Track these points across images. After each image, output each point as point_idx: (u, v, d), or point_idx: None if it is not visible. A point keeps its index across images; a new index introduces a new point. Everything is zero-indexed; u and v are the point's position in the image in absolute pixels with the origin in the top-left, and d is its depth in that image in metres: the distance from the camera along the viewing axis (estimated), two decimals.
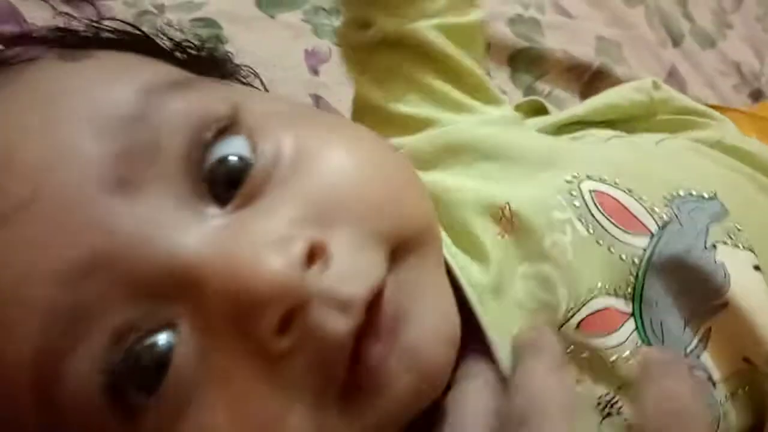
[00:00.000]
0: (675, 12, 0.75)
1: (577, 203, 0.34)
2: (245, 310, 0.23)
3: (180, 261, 0.24)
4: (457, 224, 0.34)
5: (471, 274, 0.32)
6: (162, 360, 0.24)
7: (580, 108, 0.49)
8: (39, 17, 0.49)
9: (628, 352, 0.31)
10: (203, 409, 0.24)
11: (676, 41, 0.73)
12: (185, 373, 0.24)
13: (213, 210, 0.26)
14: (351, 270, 0.25)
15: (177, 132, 0.26)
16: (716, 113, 0.49)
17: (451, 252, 0.33)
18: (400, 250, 0.27)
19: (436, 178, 0.36)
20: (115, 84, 0.28)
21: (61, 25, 0.38)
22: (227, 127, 0.27)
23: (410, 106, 0.40)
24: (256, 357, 0.24)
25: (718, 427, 0.31)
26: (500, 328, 0.30)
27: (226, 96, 0.28)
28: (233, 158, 0.26)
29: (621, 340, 0.31)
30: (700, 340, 0.32)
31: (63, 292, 0.24)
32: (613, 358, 0.31)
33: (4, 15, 0.49)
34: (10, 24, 0.48)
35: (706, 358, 0.32)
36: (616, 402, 0.31)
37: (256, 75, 0.42)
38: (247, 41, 0.48)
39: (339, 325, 0.24)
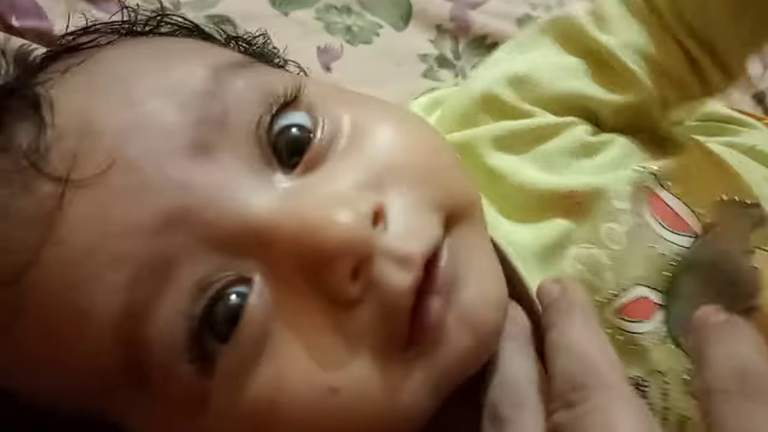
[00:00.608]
0: None
1: (632, 195, 0.35)
2: (318, 262, 0.25)
3: (253, 219, 0.26)
4: (515, 197, 0.36)
5: (519, 241, 0.35)
6: (237, 310, 0.26)
7: None
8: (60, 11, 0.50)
9: (656, 340, 0.33)
10: (275, 355, 0.26)
11: None
12: (258, 323, 0.26)
13: (280, 175, 0.28)
14: (409, 230, 0.27)
15: (244, 105, 0.29)
16: (747, 119, 0.49)
17: (498, 220, 0.35)
18: (453, 218, 0.29)
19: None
20: (187, 63, 0.30)
21: (82, 22, 0.40)
22: (289, 103, 0.30)
23: None
24: (326, 306, 0.26)
25: None
26: None
27: (286, 77, 0.32)
28: (296, 129, 0.29)
29: (652, 329, 0.33)
30: None
31: (147, 244, 0.26)
32: (646, 343, 0.33)
33: (28, 10, 0.51)
34: (33, 19, 0.50)
35: None
36: (645, 385, 0.33)
37: (302, 69, 0.45)
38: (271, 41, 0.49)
39: (400, 278, 0.26)
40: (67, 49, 0.34)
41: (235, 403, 0.26)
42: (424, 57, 0.59)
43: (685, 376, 0.33)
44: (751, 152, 0.44)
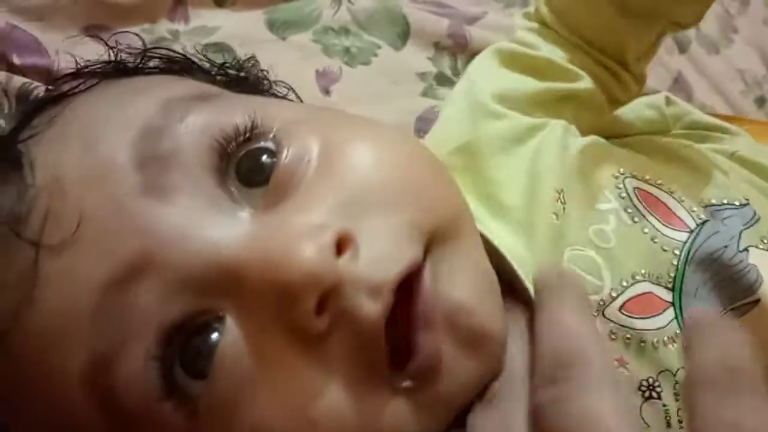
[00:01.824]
0: None
1: (623, 195, 0.37)
2: (283, 298, 0.25)
3: (219, 258, 0.26)
4: (499, 206, 0.36)
5: (514, 248, 0.34)
6: (211, 350, 0.26)
7: None
8: (60, 47, 0.51)
9: (667, 337, 0.33)
10: (253, 392, 0.26)
11: (683, 47, 0.73)
12: (233, 361, 0.26)
13: (245, 209, 0.28)
14: (380, 257, 0.26)
15: (197, 140, 0.28)
16: (731, 126, 0.50)
17: (490, 227, 0.35)
18: (437, 238, 0.29)
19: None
20: (140, 101, 0.30)
21: (84, 55, 0.41)
22: (249, 132, 0.29)
23: None
24: (297, 339, 0.26)
25: None
26: None
27: (247, 106, 0.30)
28: (259, 157, 0.29)
29: (662, 324, 0.33)
30: None
31: (109, 296, 0.26)
32: (655, 340, 0.33)
33: (28, 47, 0.51)
34: (33, 56, 0.50)
35: None
36: (658, 386, 0.33)
37: (291, 89, 0.45)
38: (260, 64, 0.50)
39: (369, 308, 0.25)
40: (53, 97, 0.34)
41: None
42: (422, 75, 0.59)
43: None
44: (733, 158, 0.44)
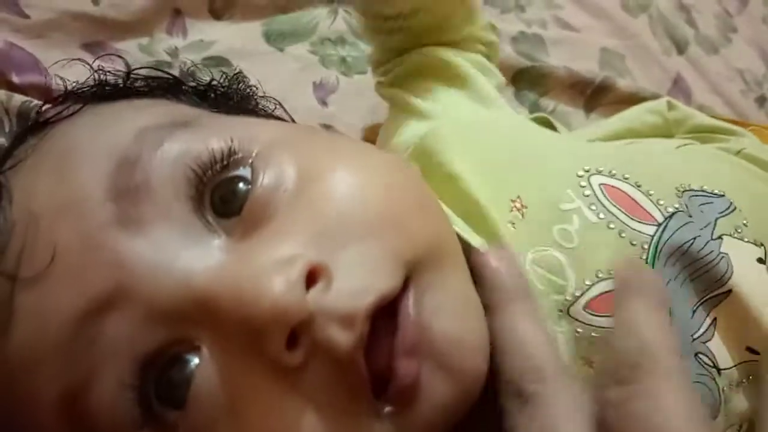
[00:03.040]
0: (678, 19, 0.75)
1: (587, 192, 0.36)
2: (254, 332, 0.25)
3: (192, 289, 0.26)
4: (471, 208, 0.36)
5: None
6: (187, 380, 0.26)
7: (599, 130, 0.51)
8: (60, 65, 0.51)
9: None
10: (233, 424, 0.26)
11: (681, 49, 0.73)
12: (209, 391, 0.26)
13: (219, 240, 0.27)
14: (353, 287, 0.26)
15: (172, 169, 0.28)
16: (735, 128, 0.49)
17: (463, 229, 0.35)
18: (420, 265, 0.28)
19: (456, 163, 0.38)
20: (115, 129, 0.30)
21: (92, 77, 0.41)
22: (227, 159, 0.29)
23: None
24: (273, 373, 0.25)
25: (716, 415, 0.33)
26: None
27: (226, 130, 0.30)
28: (233, 189, 0.28)
29: None
30: (707, 328, 0.34)
31: (81, 329, 0.26)
32: None
33: (27, 65, 0.52)
34: (32, 74, 0.51)
35: (715, 346, 0.34)
36: None
37: (281, 105, 0.45)
38: (257, 76, 0.50)
39: (342, 338, 0.25)
40: (37, 125, 0.34)
41: None
42: None
43: None
44: (740, 155, 0.44)
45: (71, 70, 0.46)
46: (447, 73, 0.46)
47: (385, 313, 0.26)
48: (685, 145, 0.46)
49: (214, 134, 0.29)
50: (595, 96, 0.65)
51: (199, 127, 0.31)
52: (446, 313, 0.28)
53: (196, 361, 0.26)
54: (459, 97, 0.45)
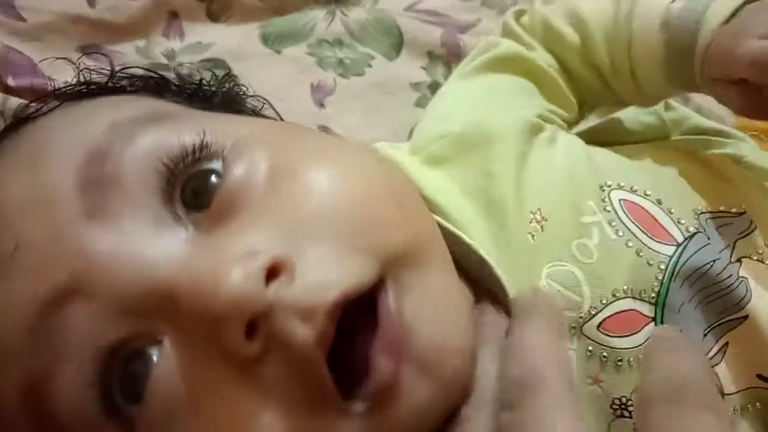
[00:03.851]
0: None
1: (608, 208, 0.36)
2: (213, 323, 0.25)
3: (154, 279, 0.26)
4: (497, 210, 0.35)
5: (495, 257, 0.34)
6: (146, 373, 0.26)
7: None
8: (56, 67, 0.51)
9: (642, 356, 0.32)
10: (191, 418, 0.25)
11: None
12: (167, 384, 0.26)
13: (186, 232, 0.27)
14: (317, 281, 0.26)
15: (142, 162, 0.28)
16: (732, 130, 0.49)
17: (474, 229, 0.34)
18: (396, 264, 0.28)
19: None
20: (87, 123, 0.30)
21: (78, 76, 0.41)
22: (198, 153, 0.29)
23: None
24: (232, 367, 0.25)
25: None
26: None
27: (200, 124, 0.30)
28: (204, 182, 0.28)
29: (639, 343, 0.33)
30: (717, 352, 0.33)
31: (43, 320, 0.26)
32: (631, 358, 0.32)
33: (23, 67, 0.52)
34: (28, 77, 0.51)
35: (721, 370, 0.33)
36: (630, 405, 0.32)
37: (268, 102, 0.45)
38: (254, 78, 0.50)
39: (303, 333, 0.25)
40: (14, 123, 0.35)
41: None
42: (416, 85, 0.59)
43: None
44: (741, 164, 0.43)
45: (68, 72, 0.46)
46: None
47: (366, 311, 0.26)
48: (687, 154, 0.45)
49: (187, 128, 0.30)
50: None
51: (173, 122, 0.31)
52: (428, 314, 0.28)
53: (156, 354, 0.26)
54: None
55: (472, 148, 0.38)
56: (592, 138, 0.49)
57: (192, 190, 0.28)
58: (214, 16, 0.61)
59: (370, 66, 0.60)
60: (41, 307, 0.26)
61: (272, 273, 0.25)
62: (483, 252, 0.33)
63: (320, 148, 0.33)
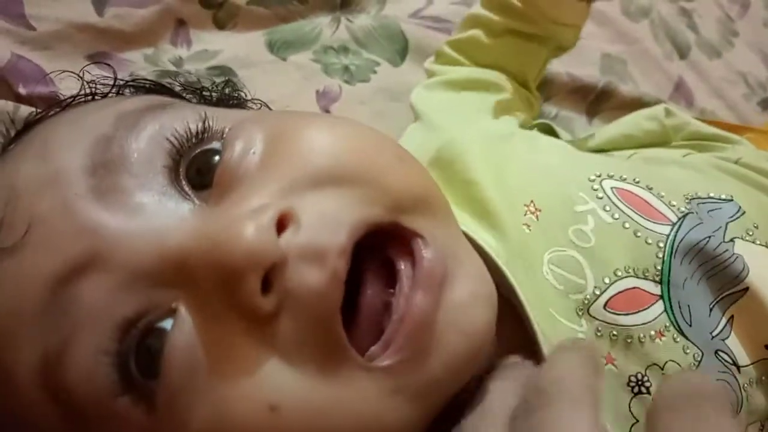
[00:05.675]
0: (680, 24, 0.75)
1: (600, 195, 0.37)
2: (227, 280, 0.25)
3: (167, 249, 0.26)
4: (486, 211, 0.37)
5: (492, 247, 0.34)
6: (162, 345, 0.26)
7: (595, 139, 0.51)
8: (65, 76, 0.52)
9: (654, 331, 0.33)
10: (210, 383, 0.25)
11: (683, 53, 0.73)
12: (185, 353, 0.26)
13: (193, 206, 0.28)
14: (325, 224, 0.26)
15: (149, 143, 0.29)
16: (731, 136, 0.50)
17: (471, 228, 0.35)
18: (406, 212, 0.28)
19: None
20: (95, 115, 0.31)
21: (83, 87, 0.42)
22: (201, 134, 0.30)
23: None
24: (250, 324, 0.26)
25: (739, 411, 0.33)
26: (533, 299, 0.33)
27: (198, 110, 0.31)
28: (207, 161, 0.29)
29: (649, 319, 0.34)
30: (725, 325, 0.34)
31: (57, 294, 0.26)
32: (642, 335, 0.33)
33: (34, 76, 0.52)
34: (39, 85, 0.51)
35: (733, 343, 0.34)
36: (647, 381, 0.33)
37: (266, 105, 0.45)
38: (261, 85, 0.50)
39: (314, 277, 0.25)
40: (28, 124, 0.36)
41: None
42: None
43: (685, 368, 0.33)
44: (738, 163, 0.44)
45: (77, 81, 0.46)
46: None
47: (386, 271, 0.27)
48: (688, 154, 0.46)
49: (190, 113, 0.31)
50: (598, 101, 0.65)
51: (176, 109, 0.32)
52: (462, 259, 0.28)
53: (172, 324, 0.26)
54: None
55: (447, 166, 0.39)
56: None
57: (197, 169, 0.29)
58: (220, 24, 0.61)
59: (375, 72, 0.61)
60: (55, 283, 0.26)
61: (281, 225, 0.26)
62: (487, 248, 0.34)
63: (315, 115, 0.35)
